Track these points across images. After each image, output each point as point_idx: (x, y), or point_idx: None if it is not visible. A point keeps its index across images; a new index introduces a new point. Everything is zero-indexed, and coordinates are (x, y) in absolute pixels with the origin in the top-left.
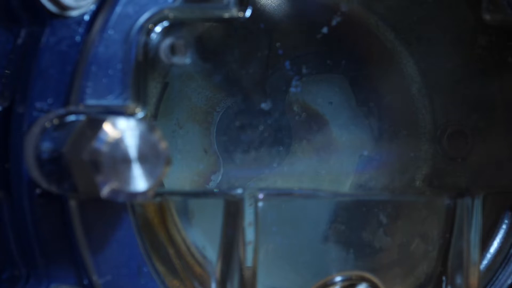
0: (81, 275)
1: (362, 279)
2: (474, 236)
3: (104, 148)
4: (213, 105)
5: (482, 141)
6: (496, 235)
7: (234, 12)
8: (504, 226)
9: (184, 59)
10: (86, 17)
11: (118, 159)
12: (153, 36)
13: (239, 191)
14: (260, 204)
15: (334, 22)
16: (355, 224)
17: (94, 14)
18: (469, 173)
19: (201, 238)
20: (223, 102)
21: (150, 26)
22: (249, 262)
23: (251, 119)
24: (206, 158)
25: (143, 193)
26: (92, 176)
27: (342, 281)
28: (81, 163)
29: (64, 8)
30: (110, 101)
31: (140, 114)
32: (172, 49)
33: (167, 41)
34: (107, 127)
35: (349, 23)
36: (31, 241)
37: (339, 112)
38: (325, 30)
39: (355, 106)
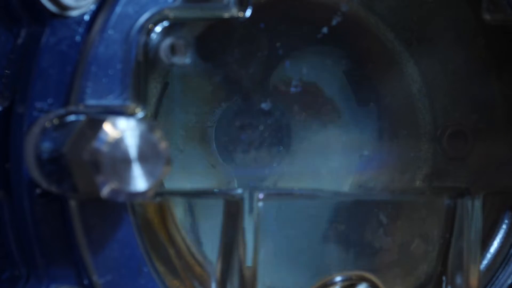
0: (81, 275)
1: (362, 279)
2: (474, 236)
3: (104, 148)
4: (213, 105)
5: (482, 141)
6: (496, 235)
7: (234, 12)
8: (504, 226)
9: (184, 59)
10: (86, 17)
11: (118, 159)
12: (153, 36)
13: (239, 191)
14: (260, 204)
15: (334, 22)
16: (355, 224)
17: (94, 14)
18: (469, 173)
19: (201, 238)
20: (223, 102)
21: (150, 26)
22: (249, 262)
23: (251, 119)
24: (206, 158)
25: (143, 193)
26: (92, 176)
27: (342, 281)
28: (81, 163)
29: (64, 8)
30: (110, 101)
31: (140, 114)
32: (172, 49)
33: (167, 41)
34: (107, 127)
35: (349, 23)
36: (31, 241)
37: (339, 112)
38: (325, 30)
39: (355, 106)
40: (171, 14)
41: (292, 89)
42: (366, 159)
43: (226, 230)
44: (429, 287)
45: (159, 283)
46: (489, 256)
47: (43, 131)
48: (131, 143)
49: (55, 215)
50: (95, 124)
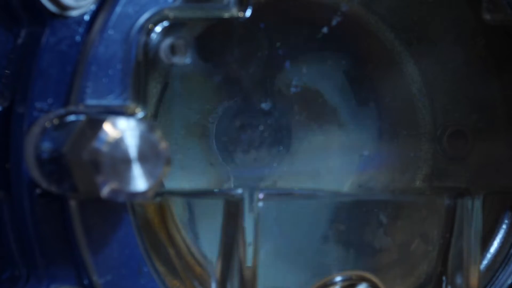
0: (81, 275)
1: (362, 279)
2: (474, 236)
3: (104, 148)
4: (213, 105)
5: (482, 141)
6: (496, 235)
7: (234, 12)
8: (504, 226)
9: (184, 59)
10: (86, 17)
11: (118, 159)
12: (153, 36)
13: (239, 191)
14: (260, 204)
15: (334, 22)
16: (355, 224)
17: (94, 14)
18: (469, 173)
19: (201, 238)
20: (223, 102)
21: (150, 26)
22: (249, 262)
23: (251, 119)
24: (206, 158)
25: (143, 193)
26: (92, 176)
27: (342, 281)
28: (81, 163)
29: (64, 8)
30: (110, 101)
31: (140, 114)
32: (172, 49)
33: (167, 41)
34: (107, 127)
35: (349, 23)
36: (31, 241)
37: (339, 112)
38: (325, 30)
39: (355, 106)
40: (171, 14)
41: (292, 89)
42: (366, 159)
43: (226, 230)
44: (429, 287)
45: (159, 283)
46: (489, 256)
47: (43, 131)
48: (131, 143)
49: (55, 215)
50: (95, 124)
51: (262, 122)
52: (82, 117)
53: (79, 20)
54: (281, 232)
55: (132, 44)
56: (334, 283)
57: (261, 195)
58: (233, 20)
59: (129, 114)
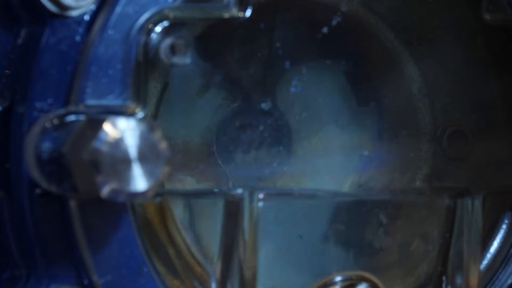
0: (81, 275)
1: (362, 279)
2: (474, 236)
3: (104, 148)
4: (213, 105)
5: (482, 141)
6: (496, 235)
7: (234, 12)
8: (504, 226)
9: (184, 59)
10: (86, 17)
11: (118, 159)
12: (153, 36)
13: (239, 191)
14: (260, 204)
15: (334, 22)
16: (355, 224)
17: (94, 14)
18: (469, 173)
19: (201, 238)
20: (223, 102)
21: (150, 26)
22: (249, 262)
23: (251, 119)
24: (206, 158)
25: (143, 193)
26: (92, 176)
27: (342, 281)
28: (81, 163)
29: (64, 8)
30: (110, 101)
31: (140, 114)
32: (172, 49)
33: (167, 41)
34: (107, 127)
35: (349, 23)
36: (31, 241)
37: (339, 112)
38: (325, 30)
39: (355, 106)
40: (171, 14)
41: (292, 89)
42: (366, 159)
43: (226, 230)
44: (429, 287)
45: (159, 283)
46: (489, 256)
47: (43, 131)
48: (131, 143)
49: (55, 215)
50: (95, 124)
51: (262, 122)
52: (82, 117)
53: (79, 20)
54: (281, 232)
55: (132, 44)
56: (334, 283)
57: (261, 195)
58: (233, 20)
59: (129, 114)
